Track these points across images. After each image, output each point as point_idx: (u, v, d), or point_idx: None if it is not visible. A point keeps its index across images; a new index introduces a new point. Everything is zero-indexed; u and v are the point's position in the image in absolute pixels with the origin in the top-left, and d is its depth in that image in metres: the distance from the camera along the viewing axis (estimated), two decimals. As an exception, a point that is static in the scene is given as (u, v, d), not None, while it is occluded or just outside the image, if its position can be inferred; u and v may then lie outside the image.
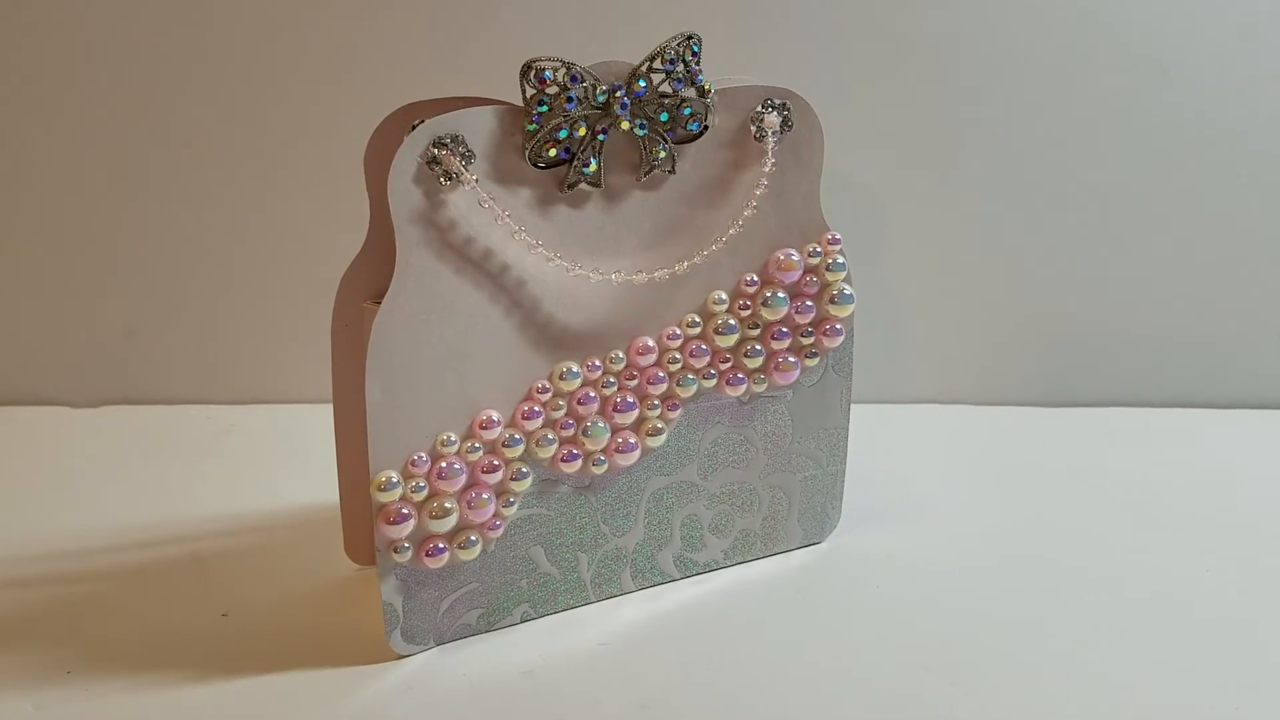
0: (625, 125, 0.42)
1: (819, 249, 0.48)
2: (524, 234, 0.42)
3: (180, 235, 0.67)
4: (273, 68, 0.64)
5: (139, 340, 0.69)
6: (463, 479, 0.43)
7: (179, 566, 0.51)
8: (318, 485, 0.55)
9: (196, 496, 0.57)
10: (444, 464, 0.43)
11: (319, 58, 0.64)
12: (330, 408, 0.47)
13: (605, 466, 0.46)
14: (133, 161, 0.66)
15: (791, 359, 0.48)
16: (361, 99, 0.56)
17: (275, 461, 0.61)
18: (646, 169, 0.44)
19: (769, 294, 0.47)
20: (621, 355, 0.45)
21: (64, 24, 0.64)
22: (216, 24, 0.64)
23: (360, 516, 0.48)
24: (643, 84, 0.42)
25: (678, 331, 0.46)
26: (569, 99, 0.41)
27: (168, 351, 0.69)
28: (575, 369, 0.45)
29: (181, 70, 0.65)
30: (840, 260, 0.48)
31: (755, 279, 0.47)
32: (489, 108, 0.41)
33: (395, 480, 0.42)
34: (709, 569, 0.50)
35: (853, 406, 0.52)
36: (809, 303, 0.48)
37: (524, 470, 0.44)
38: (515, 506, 0.45)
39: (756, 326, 0.48)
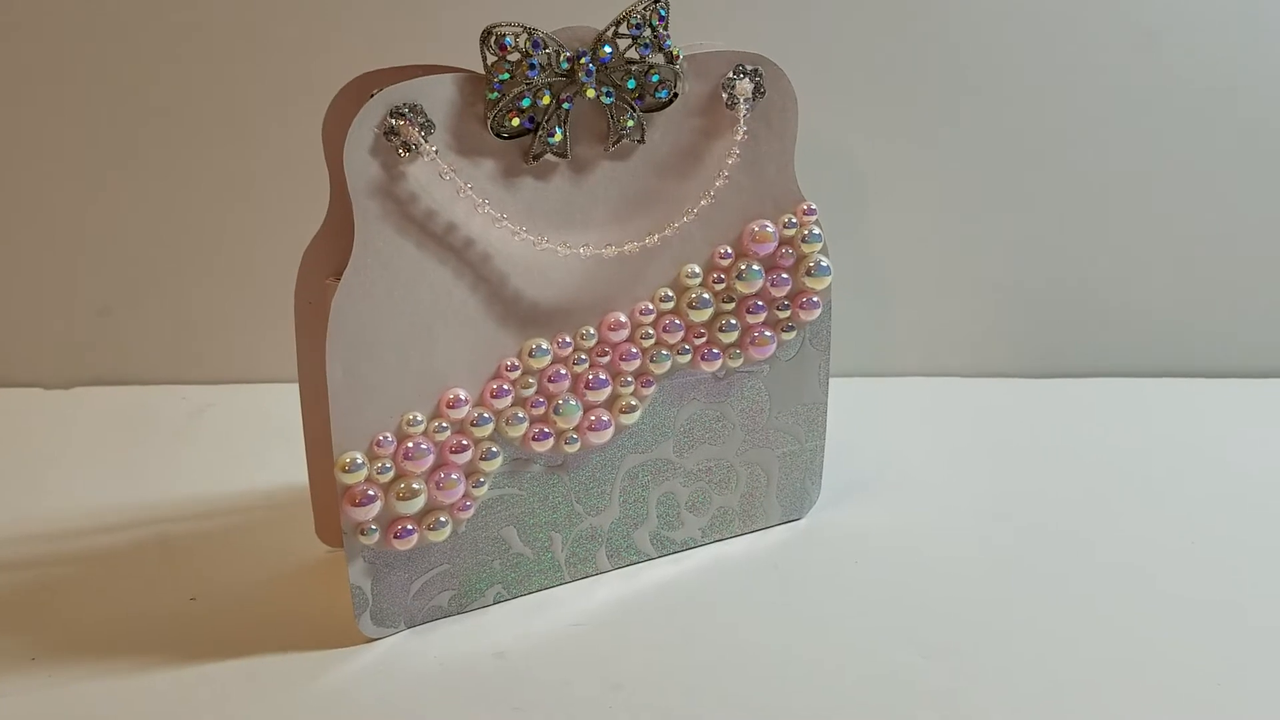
0: (591, 93, 0.41)
1: (794, 220, 0.47)
2: (488, 207, 0.41)
3: (152, 214, 0.66)
4: (229, 40, 0.63)
5: (113, 320, 0.68)
6: (430, 459, 0.42)
7: (148, 550, 0.50)
8: (292, 466, 0.54)
9: (169, 478, 0.57)
10: (410, 444, 0.42)
11: (274, 28, 0.62)
12: (299, 387, 0.47)
13: (578, 445, 0.45)
14: (100, 142, 0.65)
15: (768, 333, 0.47)
16: (320, 69, 0.54)
17: (250, 442, 0.61)
18: (614, 138, 0.43)
19: (743, 266, 0.46)
20: (593, 331, 0.44)
21: (24, 9, 0.62)
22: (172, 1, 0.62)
23: (330, 498, 0.47)
24: (608, 50, 0.41)
25: (650, 306, 0.45)
26: (531, 66, 0.40)
27: (142, 331, 0.68)
28: (545, 346, 0.44)
29: (141, 49, 0.63)
30: (816, 231, 0.47)
31: (729, 251, 0.46)
32: (448, 76, 0.40)
33: (360, 461, 0.41)
34: (686, 547, 0.49)
35: (836, 380, 0.51)
36: (785, 275, 0.47)
37: (494, 450, 0.43)
38: (486, 487, 0.44)
39: (731, 300, 0.47)
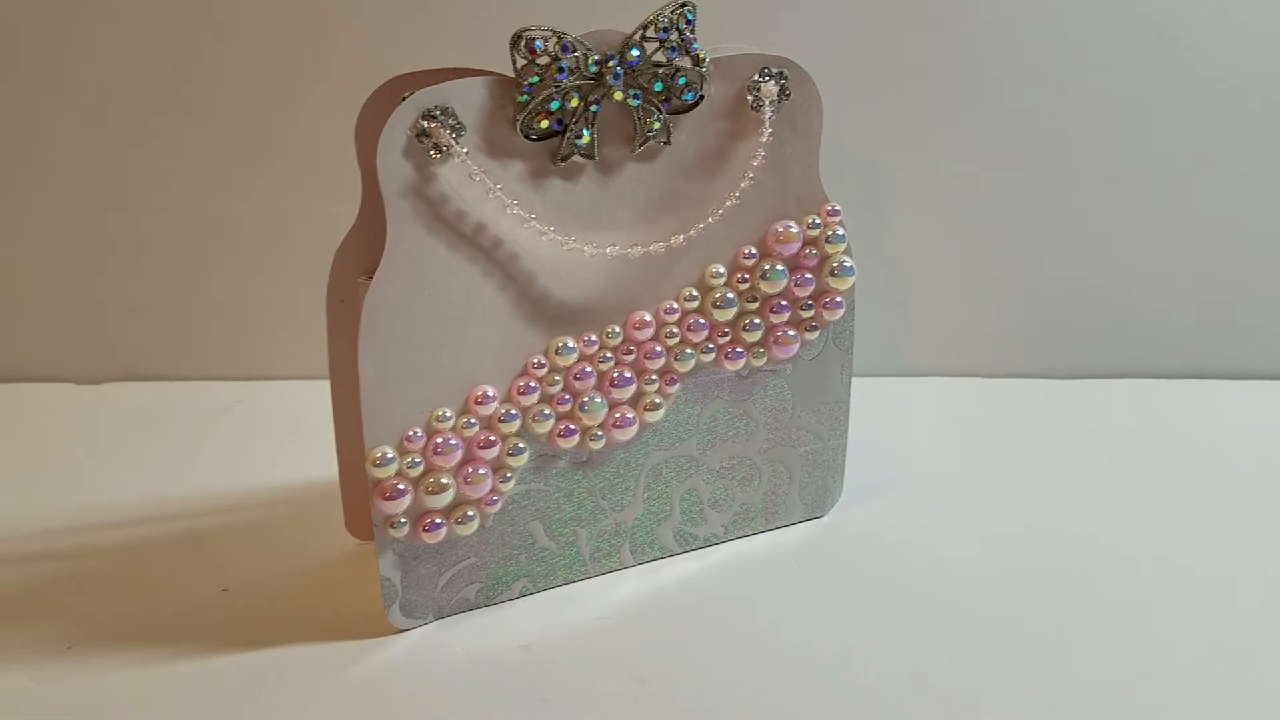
0: (618, 96, 0.42)
1: (818, 220, 0.47)
2: (517, 208, 0.41)
3: (183, 211, 0.67)
4: (263, 42, 0.64)
5: (143, 316, 0.69)
6: (459, 454, 0.43)
7: (180, 542, 0.51)
8: (320, 461, 0.55)
9: (199, 473, 0.57)
10: (439, 439, 0.42)
11: (308, 31, 0.63)
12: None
13: (603, 442, 0.46)
14: (132, 139, 0.66)
15: (791, 332, 0.48)
16: (353, 71, 0.55)
17: (279, 437, 0.61)
18: (641, 140, 0.43)
19: (767, 267, 0.47)
20: (618, 330, 0.45)
21: (60, 7, 0.64)
22: (209, 2, 0.63)
23: (359, 492, 0.48)
24: (636, 53, 0.42)
25: (675, 305, 0.46)
26: (560, 69, 0.40)
27: (172, 328, 0.69)
28: (571, 344, 0.44)
29: (175, 48, 0.64)
30: (840, 232, 0.47)
31: (753, 251, 0.47)
32: (479, 79, 0.40)
33: (390, 456, 0.42)
34: (709, 544, 0.50)
35: (859, 380, 0.51)
36: (808, 275, 0.48)
37: (521, 445, 0.44)
38: (512, 482, 0.45)
39: (755, 300, 0.47)
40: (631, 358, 0.46)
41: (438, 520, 0.43)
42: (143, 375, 0.70)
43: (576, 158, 0.43)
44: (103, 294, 0.69)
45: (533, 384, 0.44)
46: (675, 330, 0.46)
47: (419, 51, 0.56)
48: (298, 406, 0.65)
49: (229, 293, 0.68)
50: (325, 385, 0.48)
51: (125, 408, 0.66)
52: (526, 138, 0.42)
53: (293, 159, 0.65)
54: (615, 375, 0.45)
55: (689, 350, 0.46)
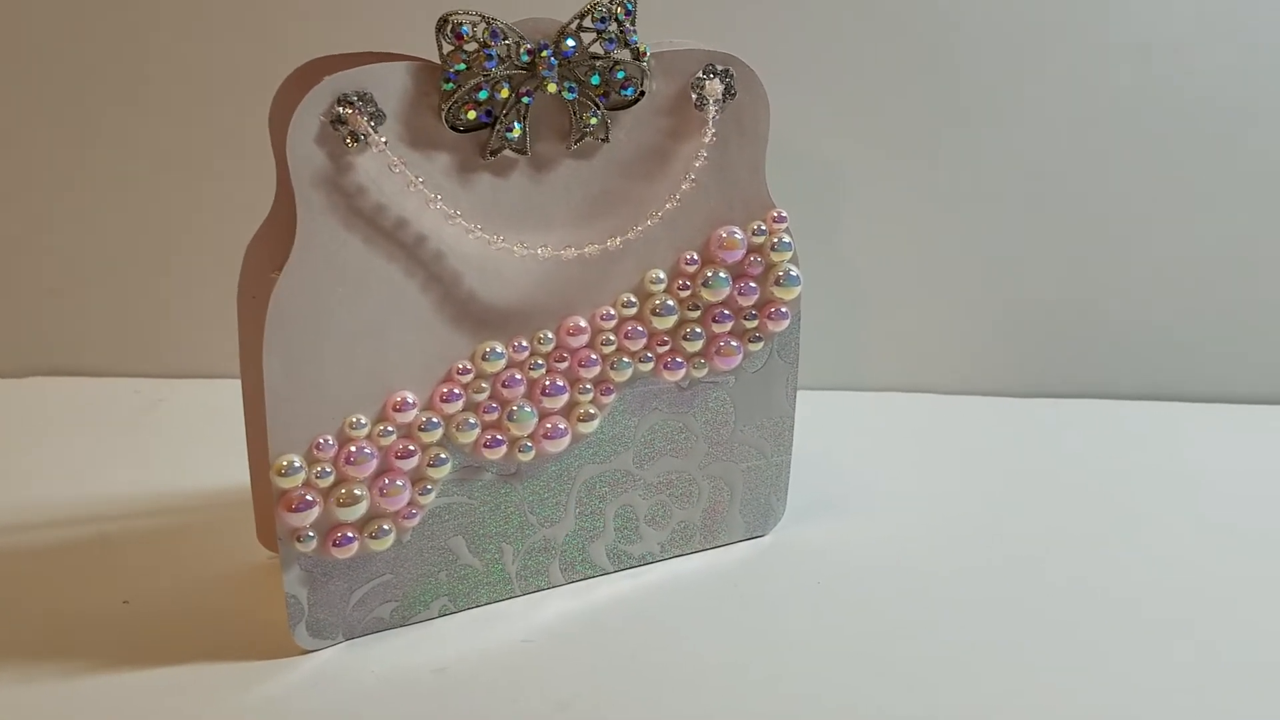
0: (552, 88, 0.39)
1: (764, 227, 0.45)
2: (440, 203, 0.39)
3: (111, 202, 0.64)
4: (176, 24, 0.61)
5: (67, 309, 0.66)
6: (373, 464, 0.40)
7: (86, 548, 0.48)
8: (242, 467, 0.52)
9: (114, 473, 0.55)
10: (353, 448, 0.40)
11: (222, 11, 0.61)
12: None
13: (532, 453, 0.43)
14: (46, 130, 0.63)
15: (734, 343, 0.46)
16: (270, 54, 0.52)
17: (201, 439, 0.59)
18: (577, 136, 0.41)
19: (710, 274, 0.45)
20: (550, 336, 0.43)
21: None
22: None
23: (271, 501, 0.45)
24: (571, 43, 0.39)
25: (612, 312, 0.44)
26: (489, 57, 0.38)
27: (98, 321, 0.66)
28: (499, 349, 0.42)
29: (85, 36, 0.61)
30: (786, 239, 0.45)
31: (695, 258, 0.44)
32: (402, 64, 0.38)
33: (298, 464, 0.39)
34: (644, 562, 0.48)
35: (806, 393, 0.50)
36: (753, 284, 0.45)
37: (443, 456, 0.42)
38: (433, 494, 0.42)
39: (697, 308, 0.45)
40: (565, 365, 0.43)
41: (349, 534, 0.41)
42: (66, 370, 0.67)
43: (507, 152, 0.40)
44: (27, 286, 0.66)
45: (457, 391, 0.41)
46: (612, 338, 0.44)
47: (339, 34, 0.54)
48: (222, 408, 0.61)
49: (154, 286, 0.66)
50: (244, 386, 0.45)
51: (47, 403, 0.64)
52: (453, 129, 0.39)
53: (219, 145, 0.63)
54: (547, 383, 0.43)
55: (626, 359, 0.44)
